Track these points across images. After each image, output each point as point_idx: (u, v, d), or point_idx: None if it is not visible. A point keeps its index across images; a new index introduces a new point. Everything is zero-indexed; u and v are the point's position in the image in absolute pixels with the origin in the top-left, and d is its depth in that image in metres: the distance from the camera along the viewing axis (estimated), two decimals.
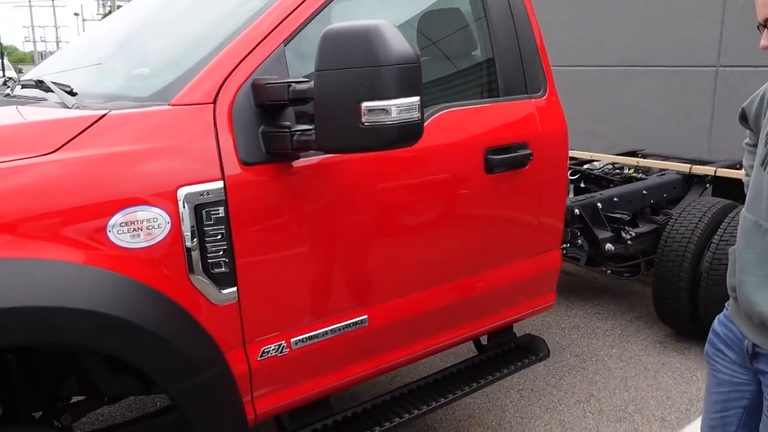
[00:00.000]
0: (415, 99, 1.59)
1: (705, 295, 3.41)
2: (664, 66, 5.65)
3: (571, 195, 4.46)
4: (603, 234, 3.57)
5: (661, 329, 3.84)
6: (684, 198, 4.10)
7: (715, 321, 1.76)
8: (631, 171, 4.47)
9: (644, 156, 5.02)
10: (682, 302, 3.51)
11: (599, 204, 3.65)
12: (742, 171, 3.94)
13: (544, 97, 2.47)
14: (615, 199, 3.76)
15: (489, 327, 2.51)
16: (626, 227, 3.76)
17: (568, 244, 3.51)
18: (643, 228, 3.83)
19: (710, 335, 1.76)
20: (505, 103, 2.37)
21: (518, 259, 2.49)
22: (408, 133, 1.60)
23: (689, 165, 4.18)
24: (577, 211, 3.53)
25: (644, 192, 3.92)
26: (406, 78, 1.56)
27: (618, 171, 4.47)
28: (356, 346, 2.08)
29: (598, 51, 6.05)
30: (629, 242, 3.69)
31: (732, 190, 3.95)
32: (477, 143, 2.24)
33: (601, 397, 3.15)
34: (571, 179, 4.48)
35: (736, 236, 3.36)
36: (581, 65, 6.21)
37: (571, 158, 4.80)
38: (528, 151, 2.36)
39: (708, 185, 4.13)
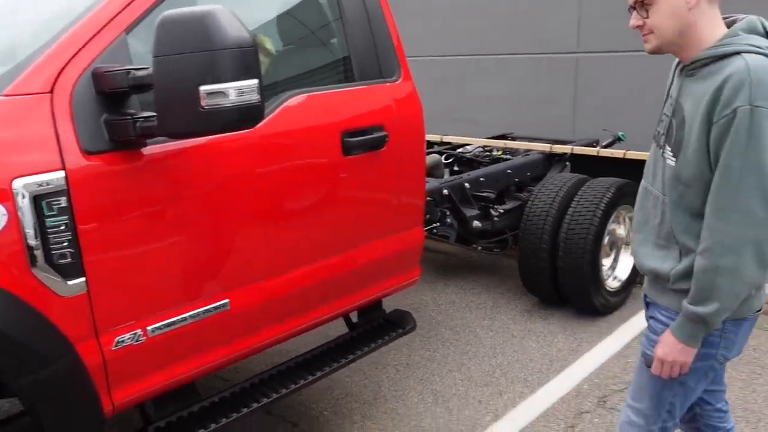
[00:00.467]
0: (254, 81, 1.63)
1: (563, 264, 3.68)
2: (530, 54, 5.97)
3: (447, 177, 4.66)
4: (471, 212, 3.77)
5: (529, 299, 4.10)
6: (546, 175, 4.38)
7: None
8: (500, 153, 4.72)
9: (512, 139, 5.31)
10: (544, 272, 3.77)
11: (467, 184, 3.85)
12: (596, 149, 4.28)
13: (398, 82, 2.58)
14: (482, 179, 3.97)
15: (356, 304, 2.60)
16: (493, 205, 3.98)
17: (438, 223, 3.67)
18: (509, 204, 4.06)
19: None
20: (360, 88, 2.45)
21: (381, 237, 2.59)
22: (248, 115, 1.65)
23: (550, 145, 4.47)
24: (446, 191, 3.70)
25: (509, 171, 4.16)
26: (243, 61, 1.60)
27: (488, 153, 4.70)
28: (219, 330, 2.10)
29: (472, 41, 6.31)
30: (496, 218, 3.91)
31: (588, 167, 4.27)
32: (333, 126, 2.31)
33: (471, 365, 3.34)
34: (445, 163, 4.67)
35: (588, 208, 3.66)
36: (459, 55, 6.46)
37: (446, 143, 5.01)
38: (384, 133, 2.46)
39: (567, 163, 4.44)
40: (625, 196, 3.83)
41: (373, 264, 2.58)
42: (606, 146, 4.65)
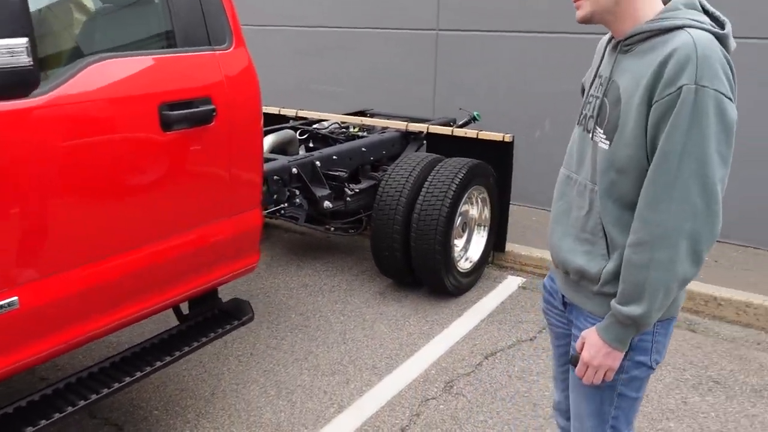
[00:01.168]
0: (21, 41, 1.35)
1: (415, 245, 3.61)
2: (390, 29, 5.87)
3: (302, 153, 4.46)
4: (322, 192, 3.60)
5: (383, 281, 4.02)
6: (402, 154, 4.30)
7: (546, 277, 1.76)
8: (356, 130, 4.58)
9: (371, 115, 5.19)
10: (397, 253, 3.69)
11: (318, 162, 3.67)
12: (450, 128, 4.26)
13: (229, 51, 2.34)
14: (334, 157, 3.81)
15: (183, 295, 2.36)
16: (346, 184, 3.84)
17: (286, 204, 3.47)
18: (363, 184, 3.94)
19: (542, 290, 1.76)
20: (183, 55, 2.19)
21: (212, 220, 2.36)
22: (15, 80, 1.36)
23: (406, 123, 4.38)
24: (294, 170, 3.51)
25: (363, 149, 4.03)
26: (4, 15, 1.31)
27: (344, 130, 4.55)
28: (7, 332, 1.80)
29: (334, 13, 6.10)
30: (348, 199, 3.77)
31: (443, 146, 4.24)
32: (148, 98, 2.04)
33: (319, 353, 3.20)
34: (300, 139, 4.46)
35: (440, 189, 3.61)
36: (320, 26, 6.22)
37: (301, 118, 4.80)
38: (211, 107, 2.22)
39: (423, 142, 4.38)
40: (477, 177, 3.83)
41: (203, 251, 2.35)
42: (461, 126, 4.65)
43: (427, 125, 4.32)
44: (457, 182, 3.63)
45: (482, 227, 4.04)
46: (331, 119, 4.67)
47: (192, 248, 2.30)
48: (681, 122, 1.26)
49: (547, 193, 5.35)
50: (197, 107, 2.18)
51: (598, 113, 1.46)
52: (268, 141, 4.03)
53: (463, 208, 3.84)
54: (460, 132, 4.19)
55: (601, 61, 1.54)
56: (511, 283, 4.07)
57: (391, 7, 5.79)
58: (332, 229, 3.93)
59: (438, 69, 5.69)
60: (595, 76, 1.54)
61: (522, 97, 5.26)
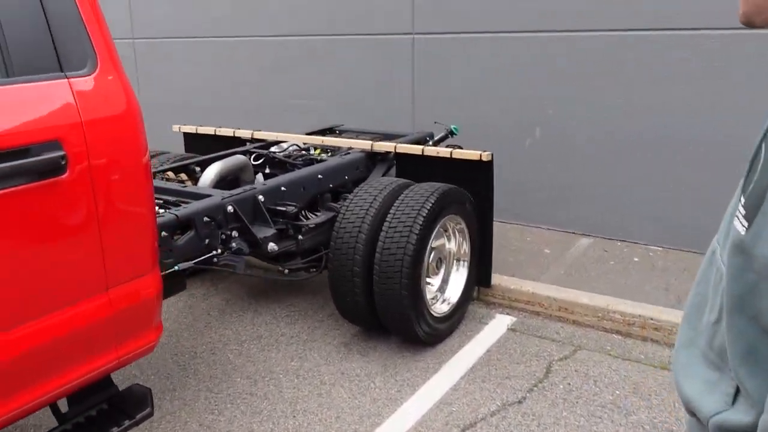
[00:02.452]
0: None
1: (378, 289, 3.05)
2: (363, 34, 5.32)
3: (259, 181, 3.92)
4: (265, 232, 3.04)
5: (350, 328, 3.46)
6: (368, 179, 3.75)
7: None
8: (318, 152, 4.03)
9: (340, 132, 4.64)
10: (358, 298, 3.13)
11: (260, 197, 3.11)
12: (422, 147, 3.69)
13: (91, 76, 1.80)
14: (282, 188, 3.25)
15: (54, 393, 1.82)
16: (298, 219, 3.29)
17: (218, 250, 2.92)
18: (320, 217, 3.39)
19: None
20: (13, 87, 1.65)
21: (78, 300, 1.82)
22: None
23: (371, 142, 3.83)
24: (230, 208, 2.95)
25: (320, 176, 3.47)
26: None
27: (304, 153, 4.00)
28: None
29: (303, 20, 5.57)
30: (301, 237, 3.22)
31: (415, 167, 3.69)
32: None
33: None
34: (255, 165, 3.92)
35: (404, 223, 3.04)
36: (290, 35, 5.69)
37: (258, 140, 4.25)
38: (60, 153, 1.67)
39: (393, 163, 3.83)
40: (451, 204, 3.26)
41: (62, 341, 1.80)
42: (437, 142, 4.08)
43: (394, 144, 3.75)
44: (425, 213, 3.06)
45: (461, 262, 3.47)
46: (289, 140, 4.12)
47: (46, 338, 1.75)
48: None
49: (541, 208, 4.81)
50: (37, 155, 1.63)
51: (748, 168, 0.83)
52: (213, 170, 3.49)
53: (436, 242, 3.28)
54: (431, 151, 3.62)
55: None
56: (499, 324, 3.50)
57: (362, 11, 5.25)
58: (286, 271, 3.37)
59: (416, 77, 5.13)
60: None
61: (509, 102, 4.69)
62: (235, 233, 2.99)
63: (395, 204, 3.14)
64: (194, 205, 2.86)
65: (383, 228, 3.08)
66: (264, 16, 5.76)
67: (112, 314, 1.90)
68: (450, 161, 3.53)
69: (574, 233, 4.65)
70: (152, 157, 3.99)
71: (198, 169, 3.67)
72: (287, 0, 5.59)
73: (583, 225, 4.63)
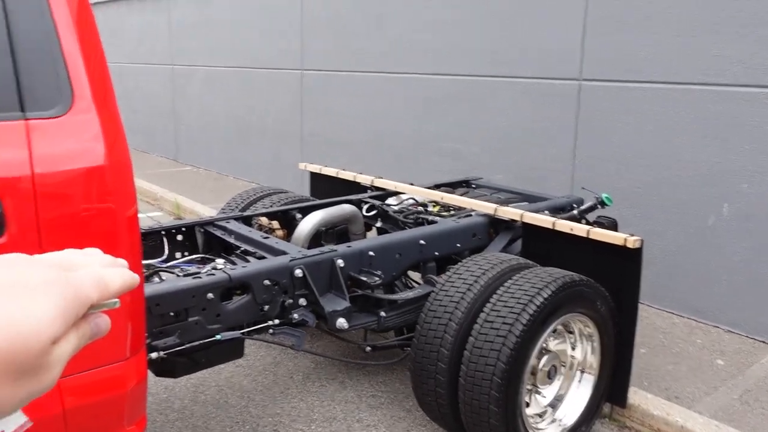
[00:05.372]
0: None
1: (464, 396, 2.43)
2: (523, 78, 4.71)
3: (372, 235, 3.49)
4: (335, 305, 2.56)
5: (438, 428, 2.86)
6: (486, 249, 3.13)
7: None
8: (437, 209, 3.49)
9: (476, 187, 4.07)
10: (442, 400, 2.53)
11: (340, 261, 2.65)
12: (553, 219, 2.99)
13: (60, 118, 1.46)
14: (370, 253, 2.76)
15: None
16: (398, 289, 2.79)
17: (277, 320, 2.50)
18: (412, 291, 2.84)
19: None
20: None
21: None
22: None
23: (495, 206, 3.20)
24: (299, 272, 2.53)
25: (422, 242, 2.93)
26: None
27: (420, 209, 3.49)
28: None
29: (461, 59, 5.10)
30: (383, 315, 2.70)
31: (545, 243, 3.00)
32: None
33: None
34: (367, 216, 3.49)
35: (505, 317, 2.40)
36: (447, 74, 5.25)
37: (378, 188, 3.82)
38: None
39: (518, 234, 3.17)
40: (575, 301, 2.54)
41: None
42: (584, 212, 3.34)
43: (521, 211, 3.10)
44: (532, 309, 2.39)
45: (586, 374, 2.71)
46: (408, 192, 3.63)
47: None
48: None
49: (723, 304, 3.77)
50: None
51: None
52: (312, 220, 3.11)
53: (552, 344, 2.58)
54: (564, 226, 2.90)
55: None
56: None
57: (527, 51, 4.64)
58: (368, 349, 2.86)
59: (579, 129, 4.39)
60: None
61: (690, 169, 3.79)
62: (302, 301, 2.56)
63: (499, 291, 2.51)
64: (255, 265, 2.48)
65: (478, 320, 2.46)
66: (423, 53, 5.37)
67: (61, 411, 1.53)
68: (586, 242, 2.80)
69: (762, 342, 3.60)
70: (266, 196, 3.74)
71: (299, 216, 3.32)
72: (448, 37, 5.15)
73: None
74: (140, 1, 9.37)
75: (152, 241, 2.87)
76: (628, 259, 2.71)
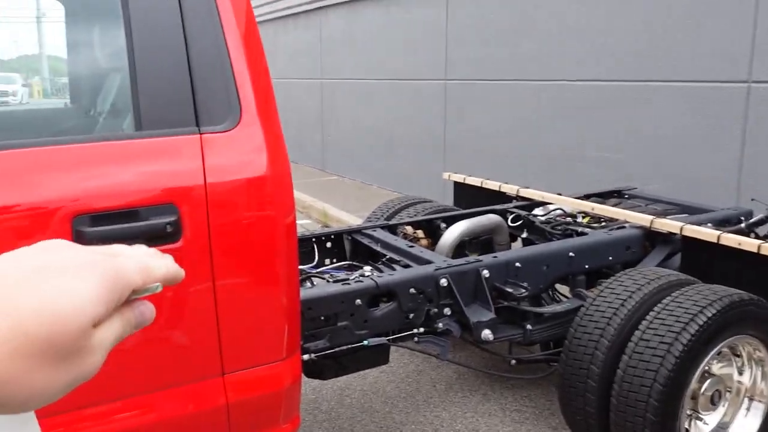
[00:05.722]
0: None
1: (616, 417, 2.31)
2: (685, 81, 4.41)
3: (517, 246, 3.44)
4: (481, 315, 2.54)
5: None
6: (641, 263, 2.96)
7: None
8: (587, 220, 3.36)
9: (629, 197, 3.87)
10: (591, 420, 2.42)
11: (485, 271, 2.62)
12: (718, 233, 2.77)
13: (230, 131, 1.57)
14: (517, 264, 2.71)
15: None
16: (544, 302, 2.72)
17: (423, 328, 2.51)
18: (561, 305, 2.75)
19: None
20: (137, 142, 1.50)
21: (185, 382, 1.60)
22: None
23: (651, 218, 3.02)
24: (444, 281, 2.53)
25: (571, 255, 2.83)
26: None
27: (569, 219, 3.37)
28: None
29: (614, 64, 4.89)
30: (530, 327, 2.63)
31: (708, 259, 2.79)
32: (58, 207, 1.39)
33: None
34: (513, 227, 3.44)
35: (663, 336, 2.26)
36: (597, 80, 5.06)
37: (524, 198, 3.74)
38: (172, 218, 1.47)
39: (677, 248, 2.96)
40: (743, 322, 2.33)
41: (171, 422, 1.60)
42: (753, 225, 3.06)
43: (681, 223, 2.89)
44: (693, 329, 2.22)
45: (756, 402, 2.47)
46: (556, 202, 3.52)
47: (145, 420, 1.56)
48: None
49: None
50: (145, 219, 1.45)
51: None
52: (457, 230, 3.12)
53: (716, 367, 2.38)
54: (730, 240, 2.67)
55: None
56: None
57: (690, 53, 4.35)
58: (513, 362, 2.80)
59: (747, 135, 4.04)
60: None
61: None
62: (447, 310, 2.56)
63: (656, 308, 2.36)
64: (401, 273, 2.52)
65: (633, 338, 2.32)
66: (571, 59, 5.21)
67: (225, 403, 1.64)
68: (756, 258, 2.56)
69: None
70: (410, 205, 3.79)
71: (444, 225, 3.33)
72: (599, 41, 4.95)
73: None
74: (294, 19, 9.91)
75: (304, 248, 3.01)
76: None
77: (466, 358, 3.58)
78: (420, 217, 3.40)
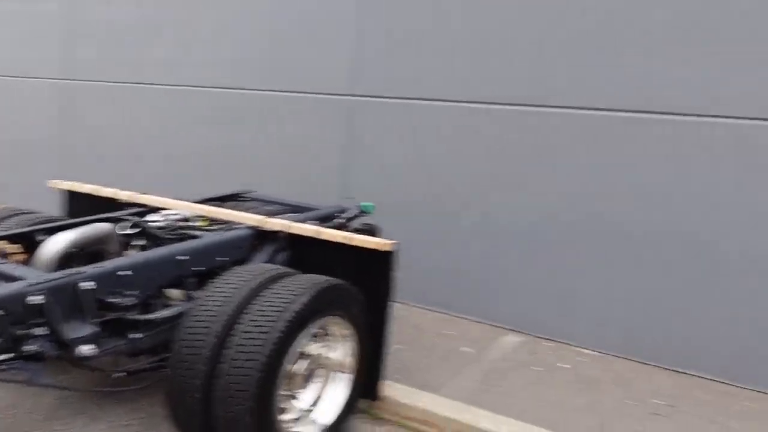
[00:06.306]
0: None
1: (219, 412, 2.37)
2: (300, 93, 4.82)
3: (133, 253, 3.30)
4: (80, 330, 2.39)
5: None
6: (252, 261, 3.14)
7: None
8: (206, 223, 3.43)
9: (250, 200, 4.07)
10: (196, 417, 2.43)
11: (85, 284, 2.46)
12: (317, 228, 3.08)
13: None
14: (124, 272, 2.62)
15: None
16: (138, 313, 2.64)
17: (9, 353, 2.26)
18: (169, 309, 2.74)
19: None
20: None
21: None
22: None
23: (261, 217, 3.23)
24: (33, 299, 2.29)
25: (179, 258, 2.85)
26: None
27: (185, 224, 3.39)
28: None
29: (243, 74, 5.07)
30: (137, 336, 2.57)
31: (313, 254, 3.06)
32: None
33: None
34: (129, 235, 3.29)
35: (261, 326, 2.39)
36: (220, 87, 5.18)
37: (139, 205, 3.65)
38: None
39: (284, 245, 3.21)
40: (332, 305, 2.65)
41: None
42: (348, 220, 3.50)
43: (288, 222, 3.15)
44: (290, 314, 2.43)
45: (342, 374, 2.82)
46: (172, 207, 3.52)
47: None
48: None
49: (470, 298, 3.97)
50: None
51: None
52: (59, 242, 2.87)
53: (312, 348, 2.65)
54: (328, 234, 3.02)
55: None
56: None
57: (302, 69, 4.75)
58: (115, 375, 2.67)
59: (349, 140, 4.59)
60: None
61: (445, 179, 4.15)
62: (39, 330, 2.34)
63: (257, 300, 2.52)
64: None
65: (234, 331, 2.44)
66: (197, 65, 5.26)
67: None
68: (349, 248, 2.93)
69: (501, 327, 4.06)
70: (9, 217, 3.39)
71: (45, 238, 3.04)
72: (222, 50, 5.10)
73: (511, 319, 4.05)
74: None
75: None
76: (381, 263, 2.89)
77: (72, 380, 3.29)
78: (16, 231, 3.06)
